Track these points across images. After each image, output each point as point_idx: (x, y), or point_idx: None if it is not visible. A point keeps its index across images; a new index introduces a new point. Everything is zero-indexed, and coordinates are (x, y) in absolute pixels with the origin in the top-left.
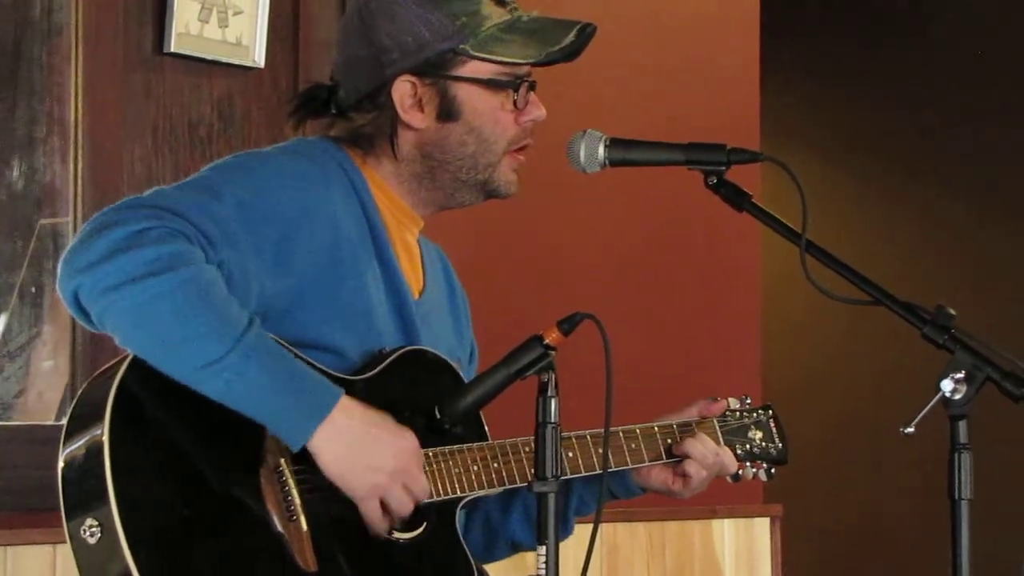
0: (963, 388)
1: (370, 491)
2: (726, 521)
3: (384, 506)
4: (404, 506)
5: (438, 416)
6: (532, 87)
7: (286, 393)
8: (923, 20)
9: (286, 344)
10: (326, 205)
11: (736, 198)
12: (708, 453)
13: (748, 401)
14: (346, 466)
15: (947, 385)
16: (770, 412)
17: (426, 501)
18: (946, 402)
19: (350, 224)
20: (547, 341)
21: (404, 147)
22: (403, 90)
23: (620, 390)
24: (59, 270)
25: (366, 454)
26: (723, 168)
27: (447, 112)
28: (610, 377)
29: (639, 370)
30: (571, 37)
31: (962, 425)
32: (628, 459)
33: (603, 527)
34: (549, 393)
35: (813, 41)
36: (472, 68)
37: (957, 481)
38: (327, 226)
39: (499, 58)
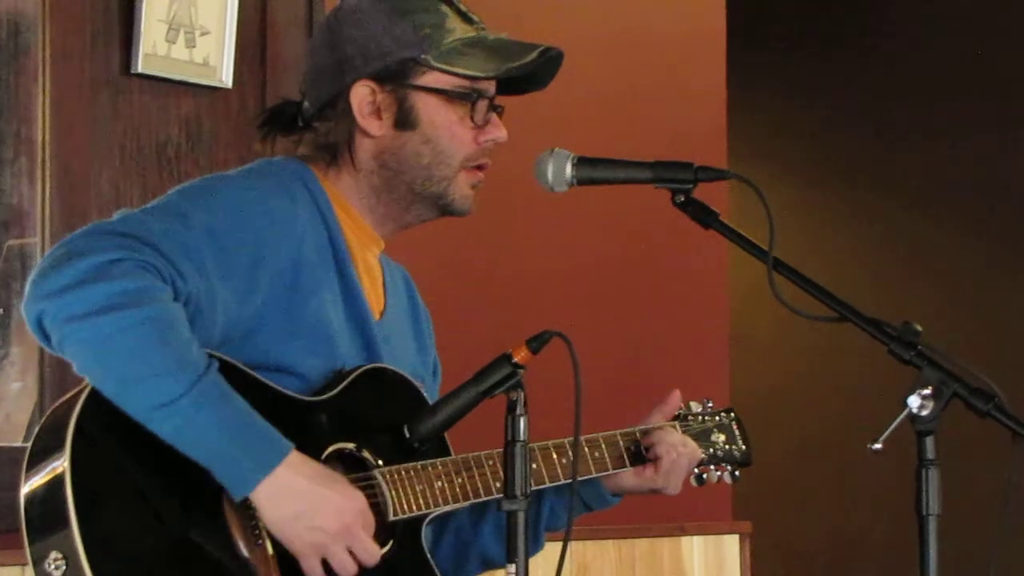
0: (930, 404)
1: (310, 550)
2: (695, 538)
3: (326, 565)
4: (347, 568)
5: (407, 436)
6: (495, 108)
7: (234, 443)
8: (889, 37)
9: (249, 370)
10: (291, 226)
11: (704, 216)
12: (676, 442)
13: (710, 404)
14: (287, 524)
15: (914, 401)
16: (732, 415)
17: (391, 518)
18: (913, 418)
19: (313, 244)
20: (516, 359)
21: (362, 156)
22: (361, 94)
23: (589, 406)
24: (26, 292)
25: (308, 514)
26: (690, 186)
27: (404, 121)
28: (579, 394)
29: (608, 386)
30: (533, 56)
31: (929, 441)
32: (592, 468)
33: (572, 545)
34: (518, 411)
35: (780, 58)
36: (432, 79)
37: (925, 497)
38: (291, 248)
39: (459, 70)
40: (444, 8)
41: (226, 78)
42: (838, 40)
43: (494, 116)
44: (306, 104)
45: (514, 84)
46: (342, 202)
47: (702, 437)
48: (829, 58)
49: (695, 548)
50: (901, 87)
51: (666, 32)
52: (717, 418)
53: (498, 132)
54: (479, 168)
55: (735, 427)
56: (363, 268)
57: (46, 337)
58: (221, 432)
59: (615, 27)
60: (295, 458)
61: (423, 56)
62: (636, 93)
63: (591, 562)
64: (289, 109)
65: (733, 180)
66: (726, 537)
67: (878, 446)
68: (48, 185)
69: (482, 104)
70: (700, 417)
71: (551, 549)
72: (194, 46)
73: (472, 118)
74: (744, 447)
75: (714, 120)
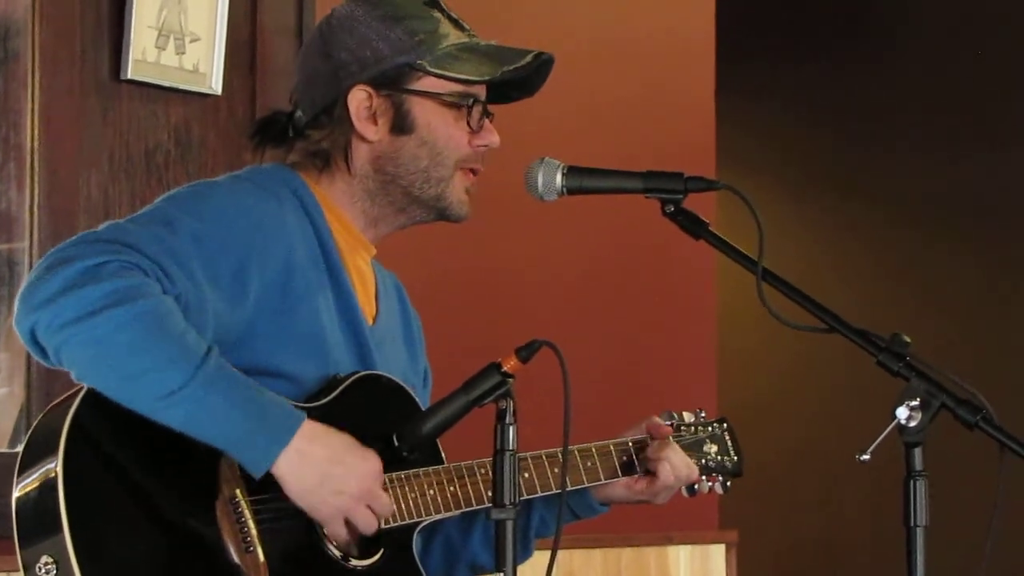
0: (918, 415)
1: (336, 514)
2: (682, 548)
3: (349, 526)
4: (369, 526)
5: (396, 444)
6: (487, 114)
7: (247, 420)
8: (880, 50)
9: (243, 374)
10: (280, 232)
11: (693, 226)
12: (682, 464)
13: (703, 415)
14: (311, 492)
15: (902, 412)
16: (724, 425)
17: (383, 527)
18: (901, 429)
19: (304, 250)
20: (505, 368)
21: (358, 161)
22: (359, 100)
23: (577, 415)
24: (15, 307)
25: (330, 479)
26: (680, 196)
27: (401, 125)
28: (568, 403)
29: (596, 396)
30: (527, 59)
31: (917, 452)
32: (584, 478)
33: (559, 554)
34: (507, 420)
35: (769, 70)
36: (427, 83)
37: (912, 508)
38: (281, 253)
39: (454, 75)
40: (436, 14)
41: (216, 85)
42: (827, 52)
43: (487, 122)
44: (298, 113)
45: (503, 91)
46: (333, 208)
47: (695, 447)
48: (818, 70)
49: (681, 557)
50: (892, 100)
51: (656, 43)
52: (710, 428)
53: (492, 137)
54: (472, 172)
55: (727, 437)
56: (355, 274)
57: (41, 349)
58: (232, 411)
59: (605, 37)
60: (309, 426)
61: (419, 61)
62: (626, 103)
63: (578, 571)
64: (280, 119)
65: (722, 191)
66: (712, 546)
67: (866, 457)
68: (36, 191)
69: (477, 108)
70: (693, 427)
71: (539, 558)
72: (184, 52)
73: (468, 122)
74: (736, 458)
75: (703, 131)
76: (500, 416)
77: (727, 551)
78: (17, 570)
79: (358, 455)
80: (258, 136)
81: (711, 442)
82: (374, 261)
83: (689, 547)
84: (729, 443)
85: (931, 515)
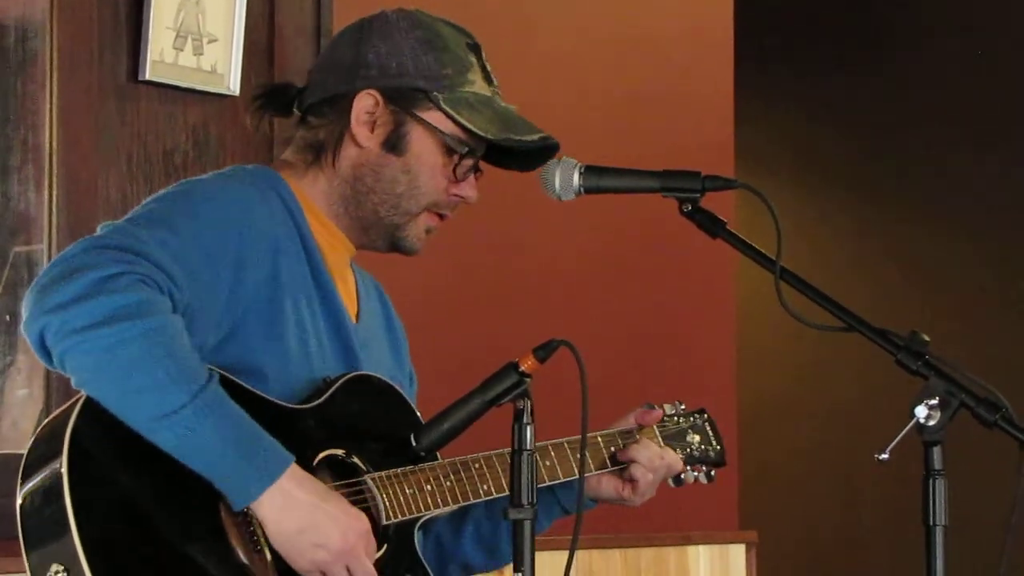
0: (937, 414)
1: (311, 567)
2: (701, 547)
3: None
4: None
5: (413, 445)
6: (476, 169)
7: (236, 454)
8: (895, 49)
9: (231, 376)
10: (267, 228)
11: (711, 225)
12: (654, 457)
13: (683, 406)
14: (291, 539)
15: (921, 411)
16: (705, 415)
17: (384, 523)
18: (920, 428)
19: (287, 249)
20: (522, 368)
21: (343, 162)
22: (365, 102)
23: (593, 413)
24: (26, 309)
25: (312, 529)
26: (698, 195)
27: (393, 144)
28: (585, 403)
29: (613, 393)
30: (533, 137)
31: (936, 451)
32: (575, 469)
33: (579, 554)
34: (525, 420)
35: (786, 69)
36: (434, 117)
37: (932, 508)
38: (268, 250)
39: (462, 120)
40: (472, 59)
41: (234, 86)
42: (845, 52)
43: (472, 176)
44: (307, 92)
45: (501, 156)
46: (313, 207)
47: (678, 438)
48: (836, 71)
49: (701, 557)
50: (908, 99)
51: (675, 43)
52: (691, 419)
53: (471, 192)
54: (440, 216)
55: (708, 428)
56: (336, 273)
57: (47, 353)
58: (224, 442)
59: (624, 37)
60: (297, 471)
61: (435, 93)
62: (645, 102)
63: (598, 571)
64: (290, 91)
65: (739, 191)
66: (732, 546)
67: (885, 456)
68: (55, 192)
69: (468, 161)
70: (675, 419)
71: (557, 558)
72: (202, 53)
73: (454, 169)
74: (719, 447)
75: (722, 131)
76: (518, 416)
77: (747, 551)
78: (24, 571)
79: (346, 511)
80: (261, 99)
81: (693, 432)
82: (353, 263)
83: (709, 547)
84: (711, 433)
85: (950, 514)
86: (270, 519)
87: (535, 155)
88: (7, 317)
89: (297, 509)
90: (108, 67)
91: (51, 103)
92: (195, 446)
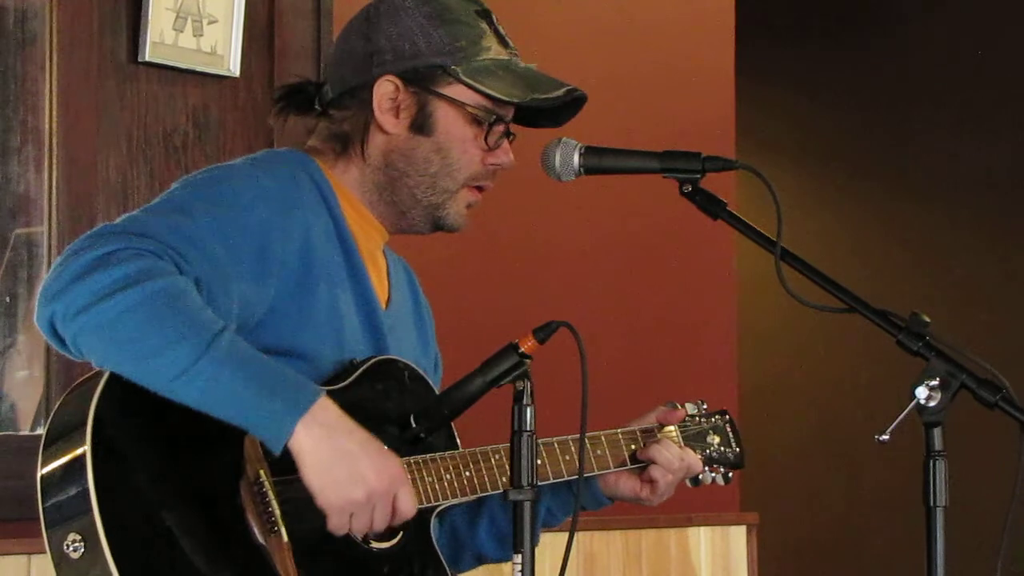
0: (938, 395)
1: (345, 504)
2: (702, 529)
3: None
4: (362, 530)
5: (413, 426)
6: (508, 134)
7: (263, 393)
8: (897, 29)
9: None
10: (298, 214)
11: (711, 206)
12: (673, 458)
13: (704, 406)
14: (328, 471)
15: (922, 392)
16: (727, 417)
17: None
18: (921, 409)
19: (320, 233)
20: (522, 349)
21: (372, 151)
22: (385, 89)
23: (594, 396)
24: (36, 302)
25: (351, 461)
26: (698, 176)
27: (420, 125)
28: (586, 384)
29: (614, 376)
30: (559, 92)
31: (937, 432)
32: (594, 466)
33: (579, 535)
34: (525, 401)
35: (788, 48)
36: (456, 91)
37: (932, 488)
38: (299, 235)
39: (485, 89)
40: (484, 26)
41: (234, 67)
42: (846, 32)
43: (505, 142)
44: (327, 88)
45: (530, 117)
46: (347, 193)
47: (698, 439)
48: (837, 51)
49: (702, 539)
50: (910, 80)
51: (675, 23)
52: (713, 420)
53: (506, 158)
54: (480, 189)
55: (728, 429)
56: (368, 258)
57: (60, 340)
58: (247, 384)
59: (624, 17)
60: (330, 404)
61: (453, 67)
62: (645, 83)
63: (598, 553)
64: (308, 89)
65: (739, 171)
66: (733, 528)
67: (885, 437)
68: (55, 174)
69: (498, 128)
70: (697, 419)
71: (557, 540)
72: (202, 35)
73: (486, 139)
74: (738, 449)
75: (722, 111)
76: (517, 397)
77: (747, 532)
78: (43, 551)
79: (381, 448)
80: (283, 102)
81: (714, 433)
82: (386, 247)
83: (710, 528)
84: (731, 435)
85: (950, 495)
86: (307, 450)
87: (563, 109)
88: (7, 299)
89: (334, 439)
90: (108, 48)
91: (51, 84)
92: (220, 395)
